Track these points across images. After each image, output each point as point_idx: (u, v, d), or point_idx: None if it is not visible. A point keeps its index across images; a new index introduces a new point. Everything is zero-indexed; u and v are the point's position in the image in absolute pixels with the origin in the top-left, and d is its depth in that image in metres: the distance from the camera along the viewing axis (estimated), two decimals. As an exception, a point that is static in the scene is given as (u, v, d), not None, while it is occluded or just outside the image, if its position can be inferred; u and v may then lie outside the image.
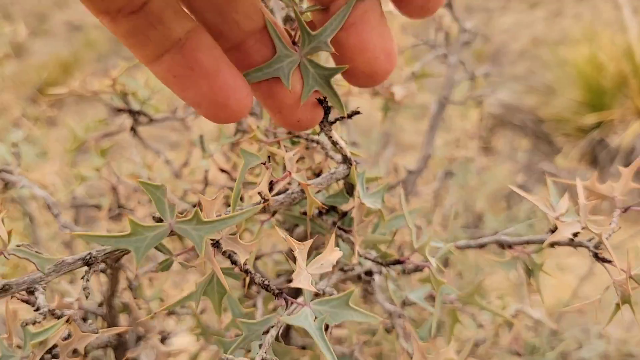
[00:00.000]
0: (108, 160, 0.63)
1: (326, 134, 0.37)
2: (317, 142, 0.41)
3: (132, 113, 0.60)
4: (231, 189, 0.40)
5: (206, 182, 0.59)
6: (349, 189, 0.42)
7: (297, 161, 0.43)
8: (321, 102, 0.35)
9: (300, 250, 0.31)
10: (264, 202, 0.36)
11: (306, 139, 0.42)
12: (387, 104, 0.66)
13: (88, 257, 0.35)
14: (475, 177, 1.21)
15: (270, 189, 0.37)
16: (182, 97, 0.35)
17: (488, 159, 3.67)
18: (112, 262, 0.44)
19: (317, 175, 0.45)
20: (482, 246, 0.47)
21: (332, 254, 0.32)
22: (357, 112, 0.36)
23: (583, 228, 0.38)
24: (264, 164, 0.37)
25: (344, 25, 0.34)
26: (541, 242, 0.41)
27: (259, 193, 0.36)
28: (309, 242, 0.32)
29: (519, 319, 0.68)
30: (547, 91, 5.95)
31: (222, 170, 0.54)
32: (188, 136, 0.64)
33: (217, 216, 0.33)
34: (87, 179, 0.65)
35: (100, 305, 0.56)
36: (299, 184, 0.37)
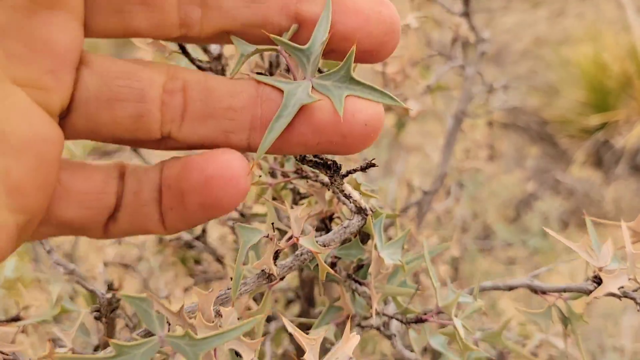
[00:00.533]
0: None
1: (338, 188, 0.32)
2: (326, 185, 0.37)
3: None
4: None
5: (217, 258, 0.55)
6: (364, 238, 0.38)
7: (304, 198, 0.39)
8: (327, 166, 0.31)
9: (312, 347, 0.27)
10: (268, 280, 0.31)
11: (315, 180, 0.38)
12: (402, 120, 0.62)
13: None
14: (485, 187, 1.16)
15: (276, 257, 0.33)
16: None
17: (495, 166, 3.65)
18: (107, 312, 0.41)
19: (329, 218, 0.40)
20: (510, 289, 0.42)
21: (348, 344, 0.28)
22: (373, 165, 0.32)
23: (630, 279, 0.34)
24: (267, 236, 0.32)
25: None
26: (582, 292, 0.37)
27: (263, 270, 0.31)
28: (321, 336, 0.28)
29: (543, 349, 0.64)
30: (550, 92, 5.94)
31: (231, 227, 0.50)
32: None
33: (214, 310, 0.29)
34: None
35: (96, 349, 0.53)
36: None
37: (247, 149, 0.33)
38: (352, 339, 0.29)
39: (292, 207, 0.34)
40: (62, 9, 0.29)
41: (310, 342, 0.28)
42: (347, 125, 0.31)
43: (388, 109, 0.57)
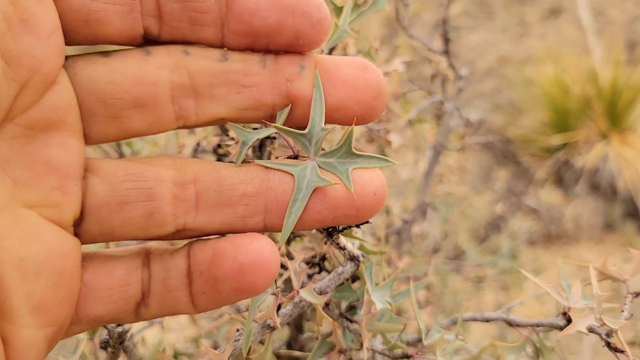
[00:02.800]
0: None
1: (334, 242, 0.35)
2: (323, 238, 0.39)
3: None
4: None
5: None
6: (354, 278, 0.40)
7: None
8: (329, 233, 0.34)
9: None
10: (271, 330, 0.34)
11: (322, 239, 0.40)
12: (384, 151, 0.65)
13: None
14: (456, 209, 1.21)
15: (278, 309, 0.35)
16: None
17: (464, 186, 3.71)
18: (116, 344, 0.42)
19: (322, 259, 0.43)
20: (487, 321, 0.45)
21: None
22: (367, 222, 0.34)
23: (597, 319, 0.37)
24: (274, 294, 0.34)
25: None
26: (554, 327, 0.40)
27: (266, 321, 0.34)
28: None
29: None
30: (513, 111, 6.06)
31: None
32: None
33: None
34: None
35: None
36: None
37: (263, 230, 0.34)
38: None
39: (289, 257, 0.36)
40: (59, 129, 0.31)
41: None
42: (359, 198, 0.33)
43: (371, 140, 0.61)
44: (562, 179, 5.11)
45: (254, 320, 0.34)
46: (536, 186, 5.04)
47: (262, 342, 0.35)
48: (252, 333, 0.34)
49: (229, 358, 0.34)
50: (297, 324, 0.51)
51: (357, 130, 0.61)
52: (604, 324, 0.38)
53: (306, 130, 0.33)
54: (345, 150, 0.33)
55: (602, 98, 5.19)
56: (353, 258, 0.37)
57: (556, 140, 5.04)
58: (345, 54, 0.43)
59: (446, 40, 0.63)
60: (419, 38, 0.63)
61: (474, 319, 0.46)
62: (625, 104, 5.14)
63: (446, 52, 0.63)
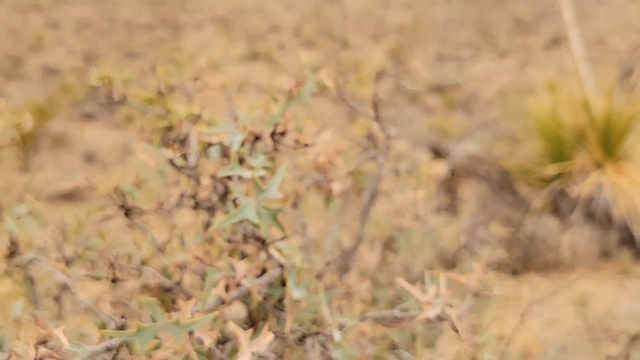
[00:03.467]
0: (107, 240, 0.80)
1: (266, 252, 0.55)
2: (259, 248, 0.60)
3: (128, 208, 0.77)
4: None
5: (184, 267, 0.76)
6: (284, 282, 0.60)
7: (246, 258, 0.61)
8: (260, 240, 0.54)
9: (244, 337, 0.49)
10: (222, 304, 0.54)
11: (259, 248, 0.60)
12: (328, 197, 0.85)
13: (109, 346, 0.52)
14: (420, 239, 1.38)
15: (227, 290, 0.55)
16: None
17: (443, 218, 3.86)
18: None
19: (263, 271, 0.63)
20: (382, 319, 0.65)
21: (266, 338, 0.49)
22: (285, 237, 0.54)
23: (442, 310, 0.57)
24: (224, 275, 0.54)
25: None
26: (414, 318, 0.59)
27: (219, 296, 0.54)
28: (249, 332, 0.50)
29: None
30: (511, 141, 6.14)
31: (197, 258, 0.71)
32: (171, 221, 0.81)
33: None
34: (88, 257, 0.81)
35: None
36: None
37: None
38: (268, 336, 0.50)
39: (239, 261, 0.56)
40: None
41: (244, 334, 0.50)
42: None
43: (318, 188, 0.81)
44: (558, 207, 5.16)
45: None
46: (533, 215, 5.10)
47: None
48: (207, 298, 0.53)
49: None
50: (252, 322, 0.70)
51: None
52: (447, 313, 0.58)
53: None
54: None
55: (595, 128, 5.20)
56: (280, 265, 0.57)
57: (552, 170, 5.11)
58: (285, 131, 0.64)
59: (376, 109, 0.82)
60: (355, 107, 0.82)
61: (372, 318, 0.65)
62: (618, 134, 5.13)
63: (377, 118, 0.82)
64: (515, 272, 4.83)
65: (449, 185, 5.50)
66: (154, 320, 0.46)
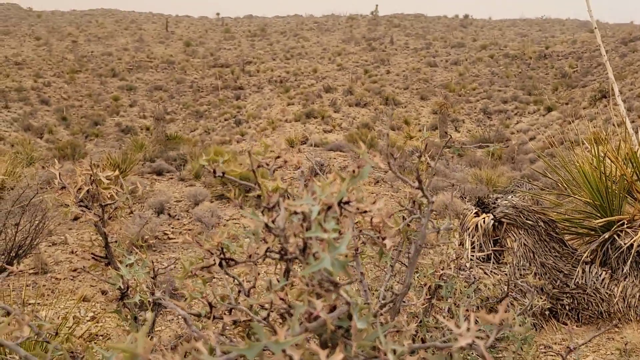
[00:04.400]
0: (208, 284, 1.02)
1: (337, 293, 0.76)
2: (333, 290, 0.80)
3: (226, 259, 0.99)
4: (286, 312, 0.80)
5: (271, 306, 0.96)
6: (350, 316, 0.80)
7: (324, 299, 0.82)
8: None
9: (323, 354, 0.68)
10: (305, 331, 0.75)
11: (331, 290, 0.81)
12: (382, 250, 1.06)
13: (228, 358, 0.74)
14: (464, 287, 1.54)
15: (309, 320, 0.76)
16: None
17: (488, 267, 3.95)
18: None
19: (334, 308, 0.83)
20: (426, 349, 0.83)
21: (339, 356, 0.68)
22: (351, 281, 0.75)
23: (472, 341, 0.75)
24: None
25: None
26: (451, 346, 0.78)
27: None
28: (326, 351, 0.70)
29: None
30: (558, 192, 6.17)
31: (281, 298, 0.91)
32: (256, 270, 1.03)
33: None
34: (194, 296, 1.04)
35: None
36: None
37: None
38: (340, 354, 0.70)
39: (316, 300, 0.78)
40: None
41: (324, 354, 0.70)
42: None
43: (374, 243, 1.01)
44: (608, 258, 5.12)
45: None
46: (583, 266, 5.08)
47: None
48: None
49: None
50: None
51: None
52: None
53: None
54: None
55: None
56: (347, 303, 0.77)
57: (600, 221, 5.10)
58: (349, 201, 0.85)
59: (419, 180, 1.02)
60: (404, 178, 1.02)
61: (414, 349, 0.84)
62: None
63: (420, 188, 1.02)
64: (565, 322, 4.81)
65: (496, 235, 5.55)
66: (258, 340, 0.67)
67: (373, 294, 1.10)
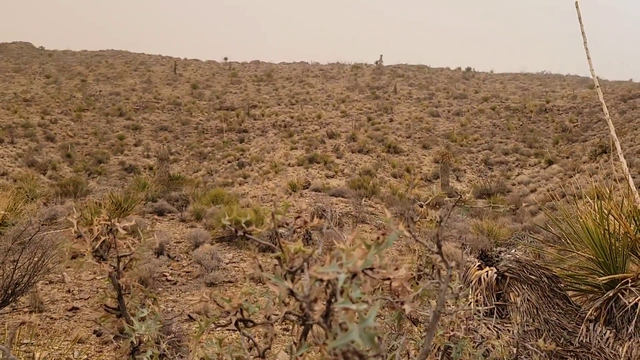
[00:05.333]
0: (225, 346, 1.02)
1: None
2: None
3: (244, 321, 0.99)
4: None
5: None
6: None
7: None
8: None
9: None
10: None
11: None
12: (400, 315, 1.06)
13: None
14: (473, 348, 1.52)
15: None
16: None
17: (494, 324, 3.89)
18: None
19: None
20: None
21: None
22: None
23: None
24: None
25: None
26: None
27: None
28: None
29: None
30: (561, 247, 6.13)
31: None
32: (272, 331, 1.02)
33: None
34: (210, 358, 1.03)
35: None
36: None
37: None
38: None
39: None
40: None
41: None
42: None
43: (392, 308, 1.01)
44: (613, 317, 5.04)
45: None
46: (587, 324, 5.00)
47: None
48: None
49: None
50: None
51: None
52: None
53: None
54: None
55: None
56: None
57: (603, 278, 5.05)
58: (373, 268, 0.86)
59: (439, 246, 1.03)
60: (423, 242, 1.04)
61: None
62: None
63: (439, 253, 1.03)
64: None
65: (499, 289, 5.50)
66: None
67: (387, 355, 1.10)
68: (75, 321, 6.35)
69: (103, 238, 1.31)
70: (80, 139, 41.94)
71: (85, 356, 5.28)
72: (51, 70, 65.33)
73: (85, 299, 7.01)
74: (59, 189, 15.49)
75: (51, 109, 47.69)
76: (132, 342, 1.23)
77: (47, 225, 10.66)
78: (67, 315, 6.50)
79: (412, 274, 1.14)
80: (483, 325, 4.48)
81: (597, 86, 7.28)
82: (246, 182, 30.40)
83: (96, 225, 1.35)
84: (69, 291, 7.33)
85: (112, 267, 1.29)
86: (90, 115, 48.79)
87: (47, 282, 7.62)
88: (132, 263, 1.32)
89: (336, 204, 16.82)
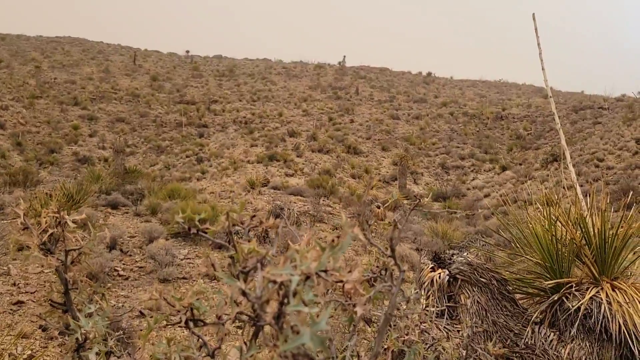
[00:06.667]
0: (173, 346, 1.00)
1: None
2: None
3: (194, 320, 0.98)
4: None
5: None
6: None
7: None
8: None
9: None
10: None
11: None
12: (352, 317, 1.07)
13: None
14: (425, 351, 1.55)
15: None
16: None
17: (445, 325, 3.97)
18: None
19: None
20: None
21: None
22: None
23: None
24: None
25: None
26: None
27: None
28: None
29: None
30: (510, 250, 6.29)
31: None
32: (222, 332, 1.02)
33: None
34: (157, 358, 1.02)
35: None
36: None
37: None
38: None
39: None
40: None
41: None
42: None
43: (344, 309, 1.02)
44: (557, 320, 5.21)
45: None
46: (532, 326, 5.15)
47: None
48: None
49: None
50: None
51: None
52: None
53: None
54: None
55: (591, 245, 5.34)
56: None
57: (550, 282, 5.20)
58: (327, 270, 0.87)
59: (393, 249, 1.05)
60: (378, 246, 1.05)
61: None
62: (614, 252, 5.24)
63: (392, 256, 1.05)
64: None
65: (450, 290, 5.62)
66: None
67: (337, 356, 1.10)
68: (20, 315, 6.12)
69: (51, 231, 1.26)
70: (32, 127, 40.39)
71: (30, 352, 5.10)
72: (3, 54, 62.66)
73: (31, 293, 6.77)
74: (8, 178, 14.89)
75: (2, 95, 45.73)
76: (77, 339, 1.19)
77: (-6, 215, 10.23)
78: (11, 309, 6.26)
79: (367, 276, 1.15)
80: (434, 326, 4.57)
81: (550, 96, 7.54)
82: (204, 178, 29.98)
83: (44, 217, 1.30)
84: (14, 284, 7.06)
85: (60, 261, 1.25)
86: (44, 103, 47.05)
87: (-9, 274, 7.32)
88: (80, 257, 1.28)
89: (295, 202, 16.81)
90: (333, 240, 0.88)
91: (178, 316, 1.01)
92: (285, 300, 0.85)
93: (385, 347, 1.38)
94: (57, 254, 1.30)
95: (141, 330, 5.36)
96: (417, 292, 1.08)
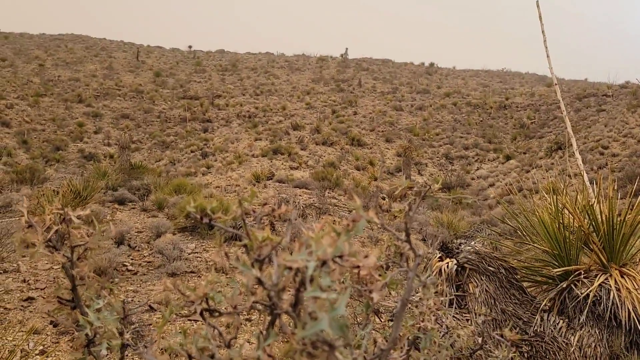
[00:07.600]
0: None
1: (332, 354, 0.77)
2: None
3: (209, 310, 0.98)
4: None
5: None
6: None
7: None
8: None
9: None
10: None
11: (325, 350, 0.81)
12: (368, 303, 1.06)
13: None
14: (440, 339, 1.54)
15: None
16: None
17: (457, 314, 3.98)
18: None
19: None
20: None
21: None
22: None
23: None
24: None
25: None
26: None
27: None
28: None
29: None
30: (518, 239, 6.28)
31: (269, 355, 0.90)
32: (238, 321, 1.02)
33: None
34: (173, 349, 1.02)
35: None
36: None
37: None
38: None
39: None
40: None
41: None
42: None
43: (360, 296, 1.02)
44: (565, 307, 5.21)
45: None
46: (541, 314, 5.15)
47: None
48: None
49: None
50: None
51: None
52: None
53: None
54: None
55: (599, 232, 5.32)
56: None
57: (558, 270, 5.20)
58: (342, 255, 0.87)
59: (408, 234, 1.04)
60: (392, 231, 1.04)
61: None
62: (622, 239, 5.22)
63: (408, 241, 1.04)
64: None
65: (458, 280, 5.61)
66: None
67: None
68: (31, 311, 6.16)
69: (56, 227, 1.26)
70: (38, 125, 40.52)
71: (41, 347, 5.13)
72: (7, 53, 62.75)
73: (41, 289, 6.81)
74: (15, 176, 14.95)
75: (6, 94, 45.83)
76: (86, 335, 1.19)
77: (2, 213, 10.29)
78: (22, 306, 6.30)
79: (380, 264, 1.14)
80: (448, 315, 4.57)
81: (555, 84, 7.49)
82: (209, 172, 30.02)
83: (48, 215, 1.30)
84: (24, 281, 7.11)
85: (66, 258, 1.24)
86: (49, 100, 47.17)
87: (2, 271, 7.37)
88: (86, 253, 1.27)
89: (300, 195, 16.83)
90: (348, 225, 0.87)
91: (192, 308, 1.01)
92: (302, 288, 0.85)
93: (401, 334, 1.38)
94: (63, 250, 1.30)
95: (150, 324, 5.38)
96: (429, 276, 1.08)
